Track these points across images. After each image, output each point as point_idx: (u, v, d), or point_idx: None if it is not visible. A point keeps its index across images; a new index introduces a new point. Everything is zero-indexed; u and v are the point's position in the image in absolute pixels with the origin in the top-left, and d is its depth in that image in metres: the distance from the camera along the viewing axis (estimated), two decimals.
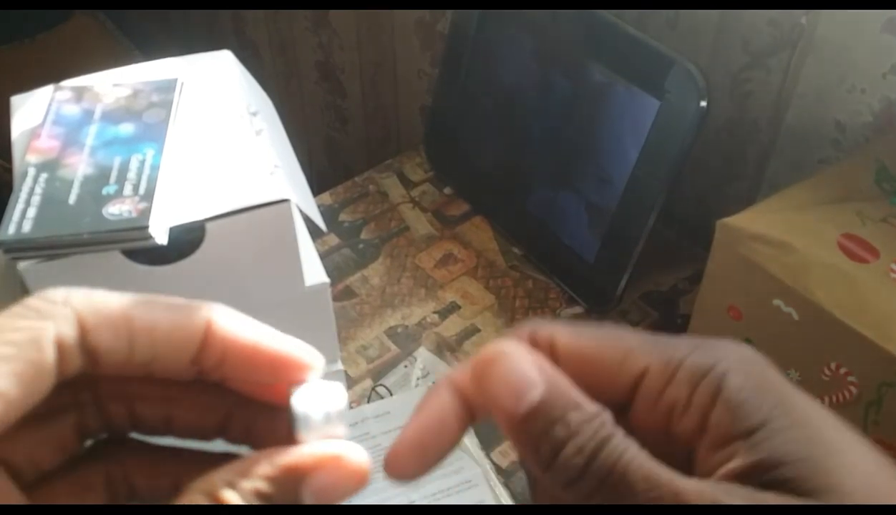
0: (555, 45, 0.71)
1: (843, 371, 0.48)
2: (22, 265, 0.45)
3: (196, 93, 0.55)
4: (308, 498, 0.22)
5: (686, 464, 0.22)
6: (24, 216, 0.45)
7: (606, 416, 0.22)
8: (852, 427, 0.23)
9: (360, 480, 0.23)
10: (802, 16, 0.63)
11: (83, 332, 0.20)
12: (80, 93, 0.54)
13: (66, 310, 0.20)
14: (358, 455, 0.23)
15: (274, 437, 0.24)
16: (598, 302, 0.71)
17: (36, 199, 0.46)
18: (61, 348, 0.20)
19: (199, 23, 1.49)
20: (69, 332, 0.20)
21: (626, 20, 0.67)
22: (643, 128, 0.64)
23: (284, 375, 0.24)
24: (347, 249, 0.80)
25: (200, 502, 0.21)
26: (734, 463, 0.21)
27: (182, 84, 0.55)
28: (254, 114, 0.55)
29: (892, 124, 0.62)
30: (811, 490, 0.20)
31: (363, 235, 0.81)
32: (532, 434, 0.22)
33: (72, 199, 0.46)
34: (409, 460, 0.24)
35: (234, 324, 0.23)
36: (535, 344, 0.25)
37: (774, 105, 0.69)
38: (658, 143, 0.64)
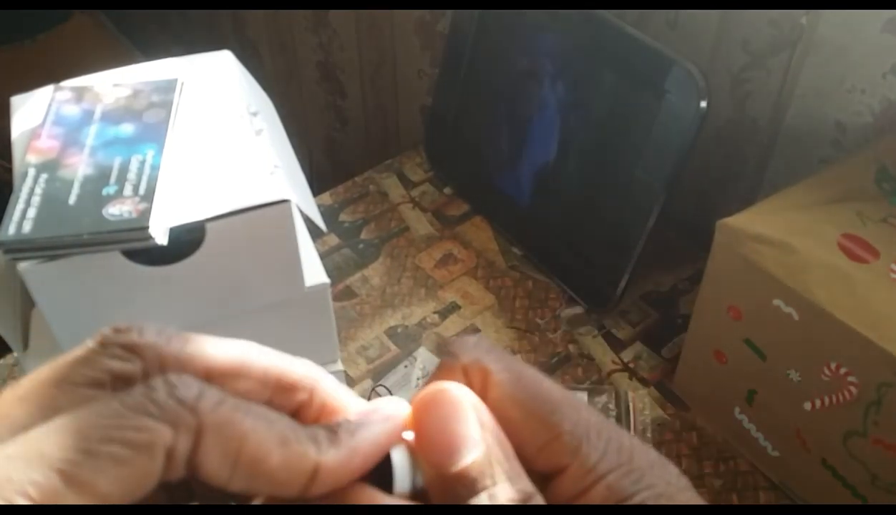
0: (555, 45, 0.71)
1: (843, 371, 0.48)
2: (22, 265, 0.45)
3: (196, 94, 0.55)
4: None
5: None
6: (24, 216, 0.45)
7: (538, 499, 0.21)
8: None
9: None
10: (802, 16, 0.63)
11: (196, 448, 0.19)
12: (80, 94, 0.54)
13: (191, 420, 0.19)
14: None
15: None
16: (598, 302, 0.71)
17: (36, 200, 0.46)
18: (170, 458, 0.19)
19: (199, 23, 1.49)
20: (184, 447, 0.19)
21: (626, 20, 0.67)
22: (643, 128, 0.64)
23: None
24: (347, 249, 0.80)
25: None
26: None
27: (182, 84, 0.55)
28: (254, 114, 0.55)
29: (892, 125, 0.62)
30: None
31: (363, 235, 0.81)
32: (456, 496, 0.20)
33: (72, 200, 0.46)
34: None
35: (349, 462, 0.21)
36: (467, 377, 0.23)
37: (774, 105, 0.69)
38: (658, 143, 0.64)
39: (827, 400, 0.51)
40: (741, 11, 0.67)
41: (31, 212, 0.45)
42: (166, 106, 0.53)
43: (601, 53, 0.68)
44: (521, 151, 0.77)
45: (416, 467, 0.22)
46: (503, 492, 0.20)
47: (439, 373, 0.23)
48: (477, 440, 0.21)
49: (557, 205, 0.74)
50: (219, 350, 0.22)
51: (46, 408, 0.19)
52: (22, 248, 0.45)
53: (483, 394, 0.23)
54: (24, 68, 1.53)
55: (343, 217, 0.83)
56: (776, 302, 0.51)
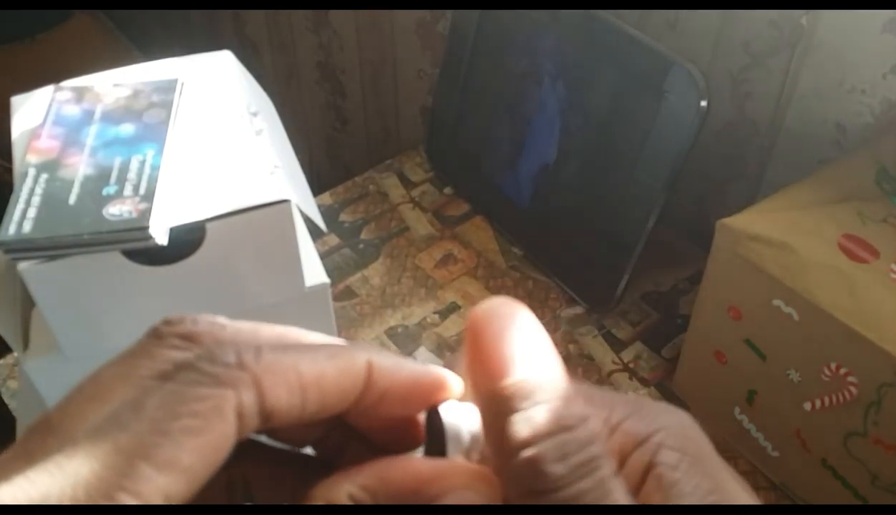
0: (555, 45, 0.71)
1: (843, 371, 0.48)
2: (22, 265, 0.45)
3: (196, 94, 0.55)
4: None
5: None
6: (24, 216, 0.45)
7: (595, 422, 0.19)
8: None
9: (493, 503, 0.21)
10: (803, 16, 0.63)
11: (261, 396, 0.19)
12: (80, 94, 0.54)
13: (245, 375, 0.19)
14: (495, 482, 0.20)
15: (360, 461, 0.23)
16: (598, 302, 0.71)
17: (36, 200, 0.46)
18: (241, 416, 0.19)
19: (199, 23, 1.49)
20: (250, 400, 0.19)
21: (626, 20, 0.67)
22: (643, 128, 0.64)
23: (431, 400, 0.22)
24: (347, 249, 0.80)
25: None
26: None
27: (182, 84, 0.55)
28: (254, 114, 0.55)
29: (892, 125, 0.61)
30: None
31: (363, 235, 0.81)
32: (507, 414, 0.19)
33: (72, 200, 0.46)
34: None
35: (390, 362, 0.22)
36: None
37: (774, 106, 0.69)
38: (658, 143, 0.64)
39: (827, 401, 0.51)
40: (741, 12, 0.67)
41: (32, 212, 0.45)
42: (166, 106, 0.53)
43: (601, 53, 0.68)
44: (521, 151, 0.77)
45: (470, 424, 0.22)
46: (563, 408, 0.19)
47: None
48: (537, 356, 0.20)
49: (557, 205, 0.74)
50: (269, 332, 0.22)
51: (118, 406, 0.19)
52: (22, 248, 0.45)
53: None
54: (24, 68, 1.53)
55: (343, 217, 0.83)
56: (776, 302, 0.51)
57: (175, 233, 0.46)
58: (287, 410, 0.20)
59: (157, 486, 0.17)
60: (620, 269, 0.68)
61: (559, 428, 0.19)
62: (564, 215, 0.74)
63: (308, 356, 0.20)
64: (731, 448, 0.60)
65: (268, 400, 0.19)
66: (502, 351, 0.19)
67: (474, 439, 0.22)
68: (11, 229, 0.44)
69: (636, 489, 0.20)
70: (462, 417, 0.22)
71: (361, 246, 0.80)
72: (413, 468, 0.21)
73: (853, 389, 0.48)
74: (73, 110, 0.53)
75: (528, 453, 0.18)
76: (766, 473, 0.59)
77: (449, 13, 0.90)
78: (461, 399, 0.23)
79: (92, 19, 1.68)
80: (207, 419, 0.18)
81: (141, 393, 0.19)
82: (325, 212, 0.83)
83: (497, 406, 0.19)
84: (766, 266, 0.50)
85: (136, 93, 0.54)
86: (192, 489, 0.18)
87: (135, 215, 0.45)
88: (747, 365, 0.55)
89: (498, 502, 0.20)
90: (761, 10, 0.65)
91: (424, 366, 0.22)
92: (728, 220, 0.52)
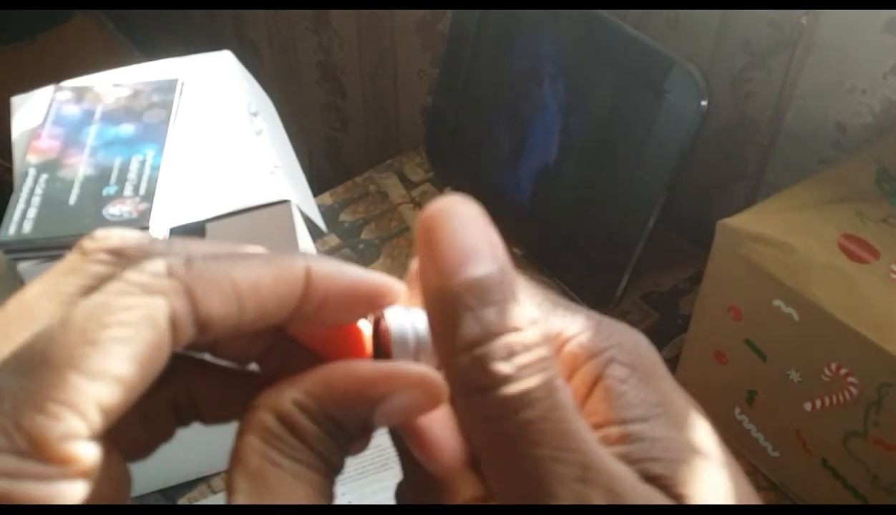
0: (555, 45, 0.71)
1: (843, 371, 0.48)
2: (22, 265, 0.45)
3: (196, 94, 0.55)
4: (379, 420, 0.20)
5: None
6: (24, 216, 0.45)
7: (545, 326, 0.20)
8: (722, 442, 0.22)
9: (437, 405, 0.21)
10: (803, 16, 0.63)
11: (194, 304, 0.19)
12: (80, 94, 0.54)
13: (175, 283, 0.19)
14: (441, 382, 0.20)
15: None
16: (598, 302, 0.71)
17: (36, 200, 0.46)
18: (175, 325, 0.19)
19: (199, 23, 1.49)
20: (182, 307, 0.19)
21: (626, 20, 0.67)
22: (643, 128, 0.64)
23: (374, 306, 0.22)
24: (347, 249, 0.80)
25: (268, 422, 0.19)
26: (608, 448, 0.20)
27: (182, 84, 0.55)
28: (254, 114, 0.55)
29: (892, 125, 0.61)
30: (679, 496, 0.19)
31: (363, 235, 0.81)
32: (457, 312, 0.19)
33: (72, 200, 0.46)
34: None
35: (330, 268, 0.21)
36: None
37: (775, 105, 0.69)
38: (658, 143, 0.64)
39: (827, 401, 0.51)
40: (741, 11, 0.67)
41: (32, 212, 0.45)
42: (166, 106, 0.53)
43: (601, 53, 0.68)
44: (521, 151, 0.77)
45: (417, 327, 0.22)
46: (516, 309, 0.19)
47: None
48: (487, 254, 0.19)
49: (557, 205, 0.74)
50: (201, 244, 0.22)
51: (45, 322, 0.19)
52: (22, 248, 0.45)
53: None
54: (24, 68, 1.53)
55: (343, 217, 0.83)
56: (776, 302, 0.51)
57: (175, 233, 0.47)
58: (224, 318, 0.19)
59: (89, 396, 0.17)
60: (620, 269, 0.68)
61: (507, 328, 0.19)
62: (564, 215, 0.74)
63: (242, 263, 0.20)
64: (731, 448, 0.60)
65: (201, 307, 0.19)
66: (454, 250, 0.19)
67: (421, 342, 0.22)
68: (11, 229, 0.44)
69: (583, 400, 0.20)
70: (408, 321, 0.22)
71: (361, 246, 0.80)
72: (358, 371, 0.21)
73: (853, 389, 0.48)
74: (73, 110, 0.53)
75: (476, 351, 0.18)
76: (766, 473, 0.59)
77: (449, 13, 0.90)
78: (409, 305, 0.23)
79: (92, 19, 1.68)
80: (137, 328, 0.18)
81: (67, 309, 0.19)
82: (325, 212, 0.83)
83: (446, 304, 0.19)
84: (767, 266, 0.50)
85: (136, 94, 0.54)
86: (127, 399, 0.18)
87: (135, 215, 0.45)
88: (747, 365, 0.55)
89: (443, 402, 0.20)
90: (761, 10, 0.65)
91: (367, 271, 0.22)
92: (728, 220, 0.52)
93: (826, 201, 0.52)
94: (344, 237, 0.81)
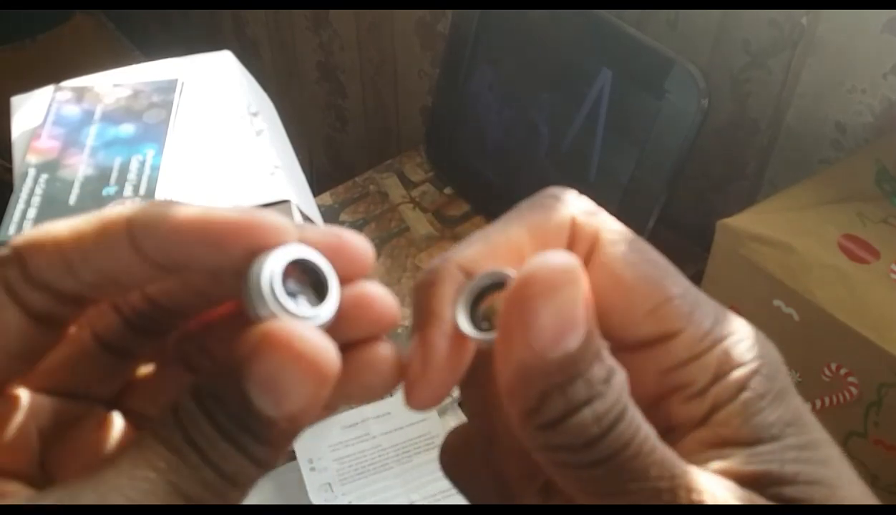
0: (555, 45, 0.71)
1: (843, 371, 0.48)
2: None
3: (196, 94, 0.55)
4: (257, 399, 0.18)
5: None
6: (24, 217, 0.45)
7: (623, 378, 0.19)
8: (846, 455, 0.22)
9: (315, 373, 0.18)
10: (803, 16, 0.63)
11: (24, 268, 0.20)
12: (80, 94, 0.54)
13: (5, 250, 0.20)
14: (317, 339, 0.18)
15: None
16: None
17: (36, 200, 0.46)
18: (10, 289, 0.20)
19: (199, 23, 1.49)
20: (14, 273, 0.20)
21: (626, 20, 0.67)
22: (643, 128, 0.64)
23: (245, 246, 0.20)
24: None
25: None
26: (730, 464, 0.20)
27: (182, 84, 0.55)
28: (254, 114, 0.55)
29: (892, 125, 0.61)
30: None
31: (363, 235, 0.81)
32: (546, 386, 0.18)
33: (72, 200, 0.46)
34: (426, 390, 0.21)
35: (167, 212, 0.20)
36: (573, 238, 0.22)
37: (775, 105, 0.69)
38: (658, 143, 0.64)
39: (827, 401, 0.51)
40: (741, 11, 0.67)
41: (32, 213, 0.45)
42: (166, 106, 0.53)
43: (601, 53, 0.68)
44: (521, 151, 0.77)
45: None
46: (597, 372, 0.19)
47: (547, 224, 0.22)
48: (580, 321, 0.19)
49: None
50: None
51: None
52: None
53: (590, 252, 0.22)
54: (24, 68, 1.53)
55: (343, 217, 0.83)
56: (776, 302, 0.51)
57: None
58: (56, 276, 0.20)
59: None
60: None
61: (592, 398, 0.19)
62: None
63: (67, 224, 0.20)
64: None
65: (30, 269, 0.20)
66: (549, 328, 0.19)
67: (303, 295, 0.20)
68: (11, 229, 0.44)
69: (716, 409, 0.20)
70: (284, 266, 0.19)
71: None
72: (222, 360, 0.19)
73: (853, 389, 0.48)
74: (73, 110, 0.53)
75: (568, 422, 0.18)
76: None
77: (449, 13, 0.90)
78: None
79: (92, 19, 1.68)
80: None
81: None
82: (325, 212, 0.83)
83: (532, 380, 0.19)
84: (767, 266, 0.50)
85: (136, 94, 0.54)
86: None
87: None
88: None
89: (305, 359, 0.19)
90: (761, 10, 0.65)
91: (224, 210, 0.20)
92: (728, 220, 0.52)
93: (826, 201, 0.52)
94: None
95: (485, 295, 0.21)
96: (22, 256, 0.20)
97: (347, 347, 0.20)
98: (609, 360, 0.19)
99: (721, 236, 0.53)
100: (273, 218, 0.20)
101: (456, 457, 0.24)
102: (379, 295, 0.21)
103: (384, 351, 0.21)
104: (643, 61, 0.64)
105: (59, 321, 0.21)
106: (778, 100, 0.68)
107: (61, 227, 0.20)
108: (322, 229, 0.21)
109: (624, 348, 0.21)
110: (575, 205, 0.23)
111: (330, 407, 0.21)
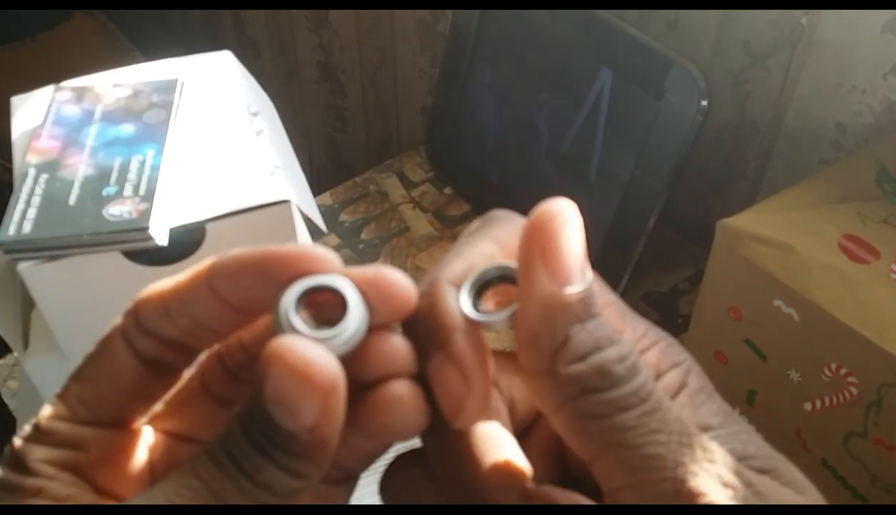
0: (555, 45, 0.71)
1: (843, 371, 0.48)
2: (22, 265, 0.45)
3: (196, 94, 0.55)
4: (274, 413, 0.19)
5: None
6: (24, 216, 0.45)
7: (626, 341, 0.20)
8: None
9: (314, 385, 0.19)
10: (803, 16, 0.63)
11: (137, 318, 0.23)
12: (80, 94, 0.54)
13: (130, 305, 0.23)
14: (311, 352, 0.19)
15: None
16: None
17: (36, 200, 0.46)
18: (126, 336, 0.23)
19: (199, 23, 1.49)
20: (130, 323, 0.23)
21: (626, 20, 0.67)
22: (643, 128, 0.64)
23: (289, 274, 0.21)
24: (347, 249, 0.80)
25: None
26: None
27: (182, 84, 0.55)
28: (254, 114, 0.55)
29: (892, 125, 0.61)
30: (790, 483, 0.21)
31: (363, 235, 0.81)
32: (570, 321, 0.19)
33: (72, 200, 0.46)
34: (475, 401, 0.21)
35: (230, 254, 0.22)
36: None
37: (775, 105, 0.69)
38: (658, 143, 0.64)
39: (827, 401, 0.51)
40: (741, 11, 0.67)
41: (32, 213, 0.45)
42: (166, 106, 0.53)
43: (601, 53, 0.68)
44: (521, 151, 0.77)
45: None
46: (600, 329, 0.20)
47: (497, 227, 0.23)
48: (587, 265, 0.20)
49: None
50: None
51: None
52: (22, 248, 0.45)
53: None
54: (24, 68, 1.53)
55: (343, 217, 0.83)
56: (776, 302, 0.51)
57: (175, 233, 0.46)
58: (159, 323, 0.22)
59: (73, 392, 0.22)
60: (620, 269, 0.68)
61: (610, 340, 0.20)
62: None
63: (171, 277, 0.23)
64: None
65: (140, 318, 0.23)
66: (570, 260, 0.20)
67: (331, 328, 0.20)
68: (11, 229, 0.44)
69: (671, 399, 0.22)
70: (315, 295, 0.21)
71: (361, 246, 0.80)
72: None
73: (853, 389, 0.48)
74: (73, 110, 0.53)
75: (595, 358, 0.19)
76: None
77: (449, 13, 0.90)
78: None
79: (92, 19, 1.68)
80: (103, 345, 0.23)
81: None
82: (325, 212, 0.83)
83: (557, 313, 0.20)
84: (767, 266, 0.50)
85: (136, 94, 0.54)
86: (98, 393, 0.22)
87: (135, 215, 0.45)
88: (747, 365, 0.55)
89: (316, 381, 0.19)
90: (761, 10, 0.65)
91: (272, 246, 0.22)
92: (728, 220, 0.52)
93: (826, 201, 0.52)
94: (344, 237, 0.81)
95: (483, 292, 0.22)
96: (136, 307, 0.23)
97: (374, 384, 0.21)
98: (617, 321, 0.21)
99: (721, 236, 0.53)
100: (318, 250, 0.21)
101: (400, 485, 0.25)
102: (396, 277, 0.21)
103: (406, 387, 0.21)
104: (643, 61, 0.64)
105: (167, 366, 0.23)
106: (778, 101, 0.68)
107: (167, 281, 0.23)
108: (367, 266, 0.22)
109: None
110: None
111: (370, 455, 0.24)
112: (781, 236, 0.50)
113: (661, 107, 0.63)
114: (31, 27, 1.61)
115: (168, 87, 0.54)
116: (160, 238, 0.45)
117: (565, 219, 0.20)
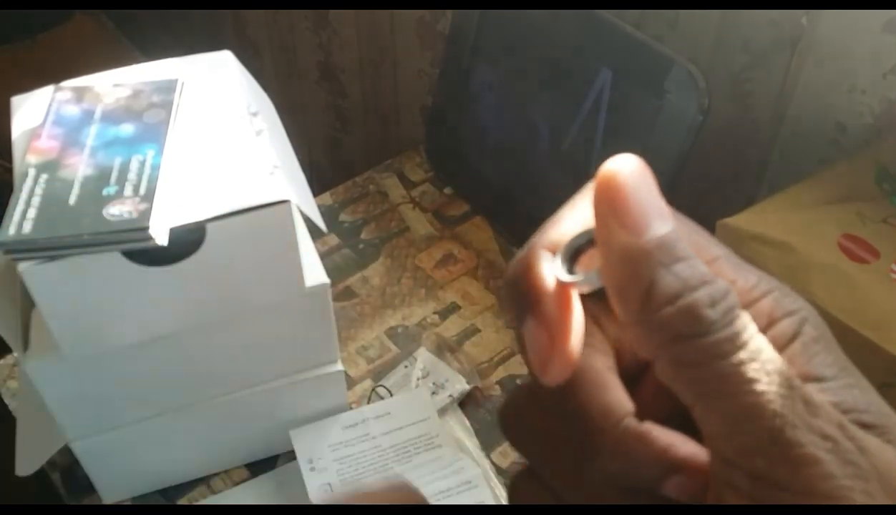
0: (555, 45, 0.71)
1: None
2: (22, 266, 0.45)
3: (196, 94, 0.55)
4: None
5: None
6: (24, 217, 0.45)
7: (727, 285, 0.20)
8: None
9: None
10: (803, 16, 0.63)
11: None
12: (80, 94, 0.54)
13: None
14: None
15: None
16: None
17: (36, 200, 0.46)
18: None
19: (199, 23, 1.49)
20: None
21: (625, 20, 0.67)
22: (643, 128, 0.64)
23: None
24: (347, 249, 0.80)
25: None
26: None
27: (182, 84, 0.55)
28: (254, 114, 0.55)
29: (892, 125, 0.61)
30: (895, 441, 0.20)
31: (363, 235, 0.81)
32: (653, 265, 0.19)
33: (72, 200, 0.46)
34: (564, 356, 0.21)
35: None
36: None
37: (775, 105, 0.69)
38: (658, 143, 0.64)
39: None
40: (741, 11, 0.67)
41: (32, 213, 0.45)
42: (166, 106, 0.53)
43: (601, 53, 0.68)
44: (521, 151, 0.77)
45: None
46: (698, 264, 0.20)
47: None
48: (667, 213, 0.20)
49: (558, 204, 0.74)
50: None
51: None
52: (22, 248, 0.45)
53: None
54: (24, 68, 1.53)
55: (343, 217, 0.83)
56: None
57: (175, 233, 0.46)
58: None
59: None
60: None
61: (702, 280, 0.19)
62: None
63: None
64: None
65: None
66: (638, 209, 0.20)
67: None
68: (11, 229, 0.44)
69: (781, 349, 0.21)
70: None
71: (361, 246, 0.80)
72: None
73: None
74: (73, 110, 0.53)
75: (681, 302, 0.19)
76: None
77: (449, 13, 0.90)
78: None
79: (92, 19, 1.68)
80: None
81: None
82: (325, 212, 0.83)
83: (639, 261, 0.20)
84: (767, 266, 0.50)
85: (136, 94, 0.54)
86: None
87: (135, 215, 0.45)
88: None
89: None
90: (761, 10, 0.65)
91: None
92: (728, 220, 0.52)
93: (826, 201, 0.52)
94: (344, 237, 0.81)
95: (579, 256, 0.23)
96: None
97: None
98: (702, 265, 0.20)
99: (721, 236, 0.53)
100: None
101: (518, 415, 0.24)
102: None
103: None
104: (643, 61, 0.64)
105: None
106: (778, 101, 0.68)
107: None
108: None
109: None
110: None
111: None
112: (781, 236, 0.50)
113: (661, 106, 0.63)
114: (31, 27, 1.61)
115: (168, 87, 0.54)
116: (160, 238, 0.45)
117: (629, 171, 0.21)
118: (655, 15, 0.73)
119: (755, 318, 0.21)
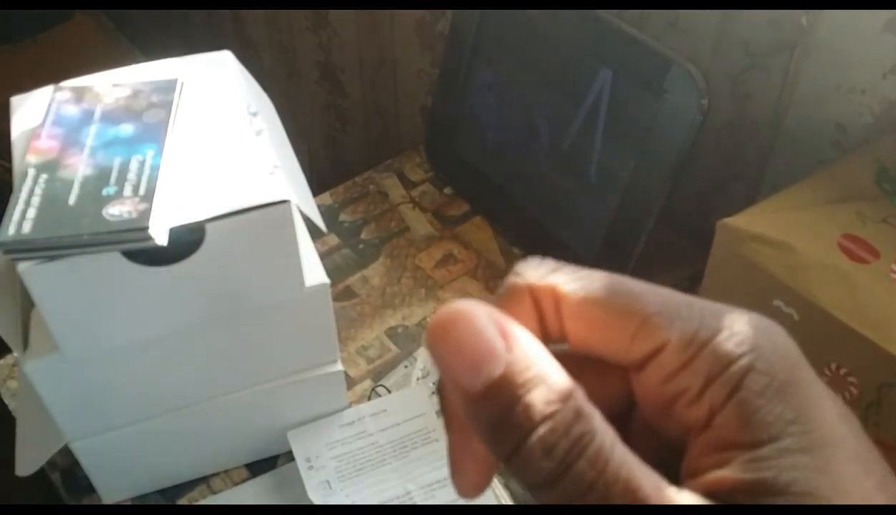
0: (555, 45, 0.71)
1: (843, 371, 0.48)
2: (22, 266, 0.45)
3: (196, 94, 0.55)
4: None
5: (677, 450, 0.21)
6: (24, 217, 0.45)
7: (578, 395, 0.19)
8: (870, 444, 0.21)
9: None
10: (803, 16, 0.63)
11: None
12: (80, 94, 0.54)
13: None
14: None
15: None
16: None
17: (36, 200, 0.46)
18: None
19: (199, 23, 1.49)
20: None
21: (625, 20, 0.67)
22: (643, 128, 0.64)
23: None
24: (347, 249, 0.80)
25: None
26: (727, 472, 0.19)
27: (182, 84, 0.55)
28: (254, 114, 0.55)
29: (892, 125, 0.61)
30: None
31: (363, 235, 0.81)
32: (489, 419, 0.19)
33: (72, 200, 0.46)
34: (468, 481, 0.22)
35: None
36: (534, 297, 0.23)
37: (774, 106, 0.69)
38: (658, 143, 0.64)
39: None
40: (741, 11, 0.67)
41: (31, 213, 0.45)
42: (166, 106, 0.53)
43: (601, 53, 0.68)
44: (521, 151, 0.77)
45: None
46: (539, 395, 0.19)
47: (505, 297, 0.23)
48: (499, 349, 0.19)
49: (557, 204, 0.74)
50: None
51: None
52: (22, 248, 0.45)
53: (557, 308, 0.22)
54: (24, 68, 1.53)
55: (343, 217, 0.83)
56: (776, 302, 0.51)
57: (175, 233, 0.46)
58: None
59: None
60: (620, 269, 0.68)
61: (535, 424, 0.18)
62: (564, 214, 0.74)
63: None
64: None
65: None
66: (459, 362, 0.19)
67: None
68: (11, 229, 0.44)
69: (714, 412, 0.20)
70: None
71: (361, 246, 0.80)
72: None
73: (853, 389, 0.48)
74: (72, 110, 0.53)
75: (515, 460, 0.19)
76: None
77: (449, 13, 0.90)
78: None
79: (92, 19, 1.68)
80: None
81: None
82: (325, 212, 0.83)
83: (476, 416, 0.19)
84: (767, 266, 0.50)
85: (135, 94, 0.54)
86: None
87: (135, 215, 0.45)
88: None
89: None
90: (761, 10, 0.65)
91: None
92: (728, 220, 0.52)
93: (826, 201, 0.52)
94: (344, 237, 0.81)
95: None
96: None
97: None
98: (560, 380, 0.19)
99: (721, 236, 0.53)
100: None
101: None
102: None
103: None
104: (643, 61, 0.64)
105: None
106: (778, 101, 0.68)
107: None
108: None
109: (629, 370, 0.22)
110: (529, 274, 0.23)
111: None
112: (781, 236, 0.50)
113: (661, 106, 0.63)
114: (31, 27, 1.61)
115: (168, 87, 0.54)
116: (160, 238, 0.45)
117: (445, 323, 0.19)
118: (655, 15, 0.73)
119: (694, 377, 0.20)
